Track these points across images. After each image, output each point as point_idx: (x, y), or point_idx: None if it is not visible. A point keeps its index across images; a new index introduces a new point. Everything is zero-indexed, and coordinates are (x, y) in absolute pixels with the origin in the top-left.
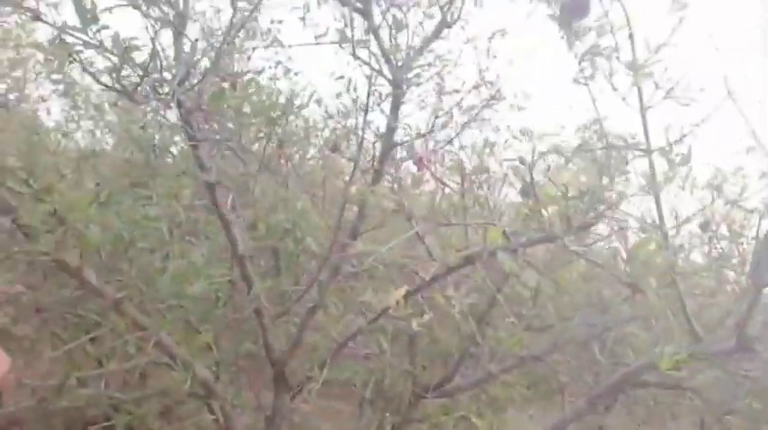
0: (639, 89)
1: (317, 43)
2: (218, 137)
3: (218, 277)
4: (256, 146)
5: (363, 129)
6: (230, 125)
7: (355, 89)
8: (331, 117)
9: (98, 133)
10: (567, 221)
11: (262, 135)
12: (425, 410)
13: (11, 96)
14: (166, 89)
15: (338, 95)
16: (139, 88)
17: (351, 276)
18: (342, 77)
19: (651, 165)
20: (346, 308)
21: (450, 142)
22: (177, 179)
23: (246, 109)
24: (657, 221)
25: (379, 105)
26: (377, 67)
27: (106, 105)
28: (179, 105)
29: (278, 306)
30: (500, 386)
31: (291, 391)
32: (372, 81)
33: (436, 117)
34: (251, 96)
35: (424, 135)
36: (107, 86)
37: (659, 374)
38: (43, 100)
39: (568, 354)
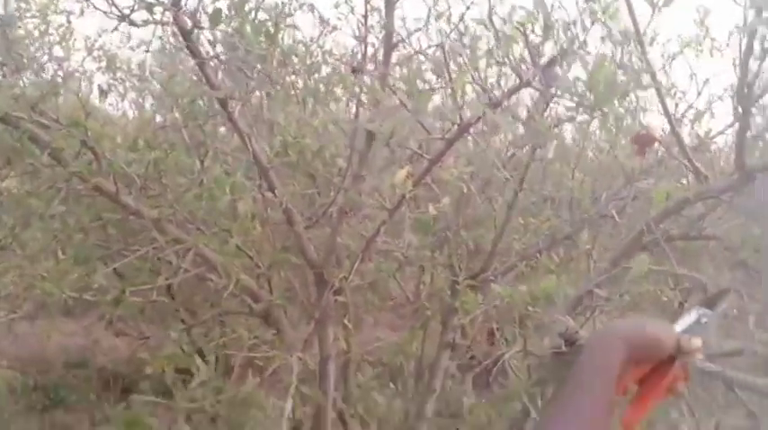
0: None
1: None
2: (221, 56)
3: (246, 191)
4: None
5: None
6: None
7: None
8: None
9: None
10: (535, 58)
11: (264, 53)
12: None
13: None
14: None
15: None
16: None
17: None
18: None
19: None
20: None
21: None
22: (192, 104)
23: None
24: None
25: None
26: None
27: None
28: (177, 26)
29: (308, 215)
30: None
31: (333, 290)
32: None
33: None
34: (248, 15)
35: (419, 29)
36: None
37: (681, 225)
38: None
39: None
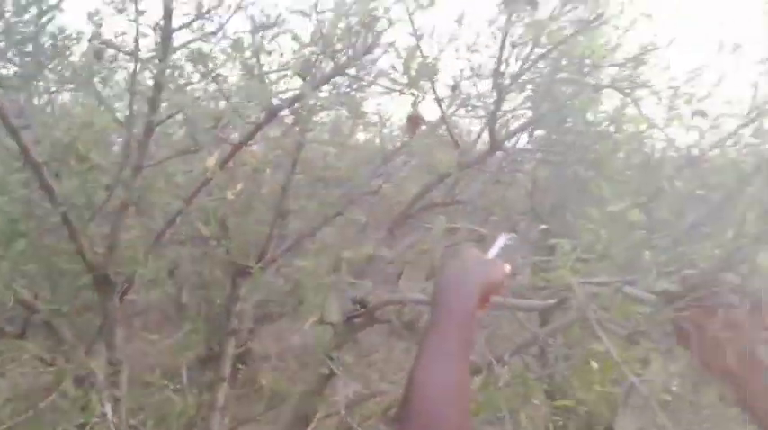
0: None
1: None
2: None
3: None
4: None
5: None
6: None
7: None
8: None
9: None
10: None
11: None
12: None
13: None
14: None
15: None
16: None
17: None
18: None
19: None
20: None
21: None
22: None
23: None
24: None
25: None
26: None
27: None
28: None
29: (87, 210)
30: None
31: (118, 291)
32: None
33: None
34: None
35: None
36: None
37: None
38: None
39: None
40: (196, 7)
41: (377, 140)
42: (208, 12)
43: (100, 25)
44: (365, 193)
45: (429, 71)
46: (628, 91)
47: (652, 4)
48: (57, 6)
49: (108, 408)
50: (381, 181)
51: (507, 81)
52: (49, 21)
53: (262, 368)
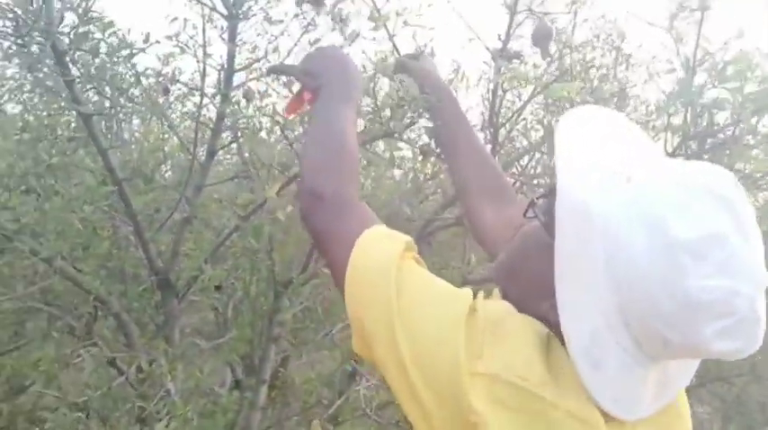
0: None
1: None
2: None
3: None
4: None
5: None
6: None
7: (194, 27)
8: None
9: None
10: None
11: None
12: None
13: None
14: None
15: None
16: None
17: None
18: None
19: None
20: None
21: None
22: (53, 117)
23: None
24: None
25: (221, 36)
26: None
27: None
28: (53, 49)
29: (155, 222)
30: None
31: (178, 294)
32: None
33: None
34: (108, 37)
35: (258, 60)
36: None
37: None
38: None
39: None
40: (253, 50)
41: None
42: (265, 56)
43: (167, 64)
44: (399, 218)
45: None
46: None
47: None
48: (143, 50)
49: (171, 387)
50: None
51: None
52: (132, 58)
53: (298, 372)
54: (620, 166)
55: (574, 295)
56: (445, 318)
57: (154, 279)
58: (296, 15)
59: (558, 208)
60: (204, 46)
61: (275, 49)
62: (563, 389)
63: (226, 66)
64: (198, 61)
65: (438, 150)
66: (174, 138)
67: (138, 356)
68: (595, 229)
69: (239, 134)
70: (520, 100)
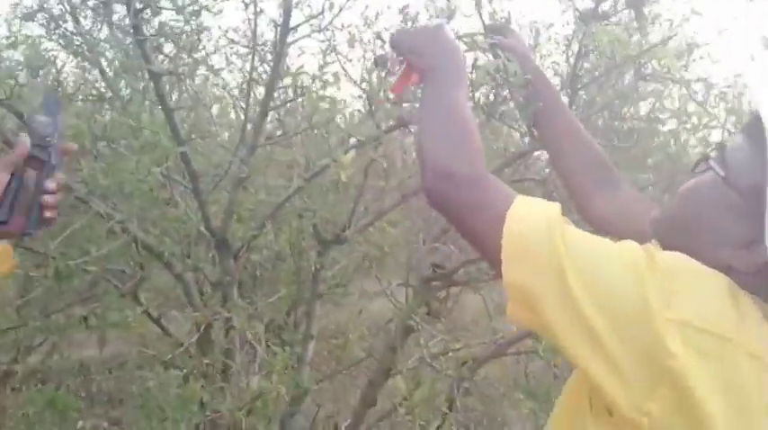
0: None
1: None
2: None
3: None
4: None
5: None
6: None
7: None
8: None
9: None
10: None
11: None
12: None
13: None
14: None
15: None
16: None
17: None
18: None
19: None
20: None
21: None
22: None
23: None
24: None
25: None
26: None
27: None
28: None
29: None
30: None
31: (234, 254)
32: None
33: None
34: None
35: (315, 17)
36: None
37: None
38: None
39: None
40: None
41: None
42: (321, 13)
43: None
44: None
45: None
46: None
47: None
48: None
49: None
50: None
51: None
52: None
53: (346, 327)
54: None
55: None
56: (626, 268)
57: (212, 239)
58: None
59: None
60: (255, 2)
61: (331, 6)
62: (749, 336)
63: (281, 22)
64: (249, 18)
65: (535, 132)
66: (228, 96)
67: (205, 316)
68: None
69: (299, 93)
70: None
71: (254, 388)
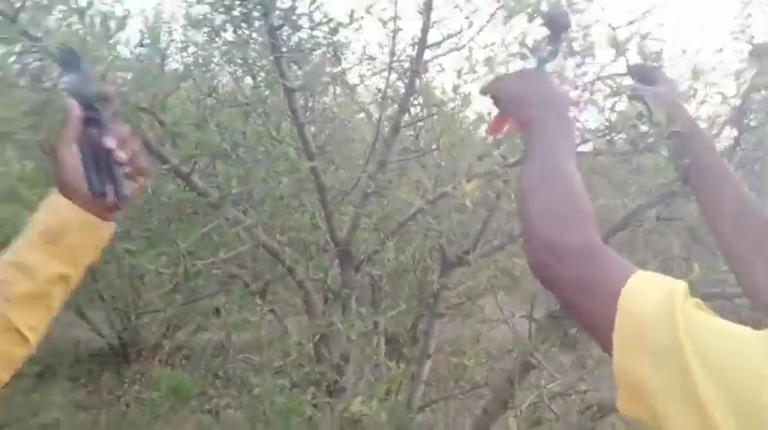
0: None
1: None
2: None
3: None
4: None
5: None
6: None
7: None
8: None
9: None
10: None
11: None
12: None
13: None
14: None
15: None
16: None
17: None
18: None
19: None
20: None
21: None
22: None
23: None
24: None
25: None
26: None
27: None
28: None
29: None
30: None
31: (356, 266)
32: None
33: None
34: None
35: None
36: None
37: None
38: None
39: None
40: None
41: None
42: (458, 33)
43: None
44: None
45: None
46: None
47: None
48: (345, 25)
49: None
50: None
51: None
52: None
53: (463, 352)
54: None
55: None
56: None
57: (335, 250)
58: None
59: None
60: (395, 19)
61: (470, 25)
62: None
63: (419, 41)
64: (388, 35)
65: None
66: (362, 111)
67: (320, 325)
68: None
69: (432, 111)
70: None
71: (354, 410)
